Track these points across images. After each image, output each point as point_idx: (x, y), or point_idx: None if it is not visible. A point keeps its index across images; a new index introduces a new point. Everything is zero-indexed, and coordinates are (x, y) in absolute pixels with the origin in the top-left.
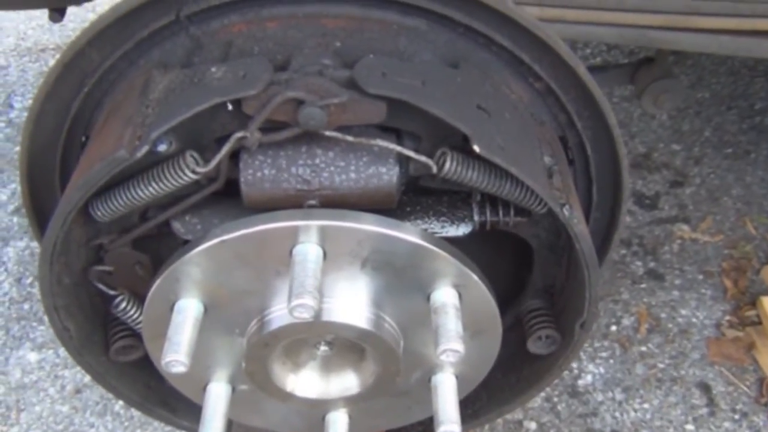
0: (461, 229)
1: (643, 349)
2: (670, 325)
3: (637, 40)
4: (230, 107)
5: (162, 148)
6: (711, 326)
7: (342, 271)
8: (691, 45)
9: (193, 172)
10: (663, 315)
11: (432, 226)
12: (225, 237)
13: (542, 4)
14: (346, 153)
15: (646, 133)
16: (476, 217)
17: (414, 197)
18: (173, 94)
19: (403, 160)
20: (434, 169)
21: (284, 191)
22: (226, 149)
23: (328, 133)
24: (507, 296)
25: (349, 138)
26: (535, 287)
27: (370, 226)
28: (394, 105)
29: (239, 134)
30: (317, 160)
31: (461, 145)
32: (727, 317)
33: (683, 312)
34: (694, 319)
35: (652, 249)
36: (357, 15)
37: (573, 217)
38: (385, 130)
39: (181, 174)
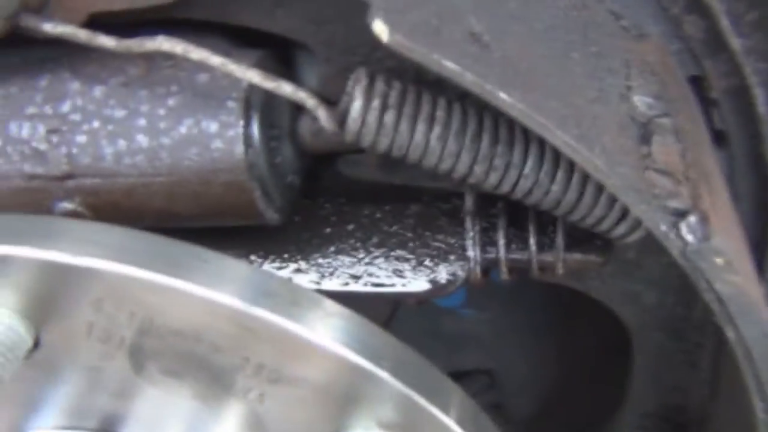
0: (441, 277)
1: None
2: None
3: None
4: None
5: None
6: None
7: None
8: None
9: None
10: None
11: (380, 270)
12: None
13: None
14: (133, 89)
15: None
16: (472, 252)
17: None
18: None
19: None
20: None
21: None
22: None
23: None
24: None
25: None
26: (639, 408)
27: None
28: None
29: None
30: (64, 107)
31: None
32: None
33: None
34: None
35: None
36: None
37: (710, 247)
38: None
39: None
